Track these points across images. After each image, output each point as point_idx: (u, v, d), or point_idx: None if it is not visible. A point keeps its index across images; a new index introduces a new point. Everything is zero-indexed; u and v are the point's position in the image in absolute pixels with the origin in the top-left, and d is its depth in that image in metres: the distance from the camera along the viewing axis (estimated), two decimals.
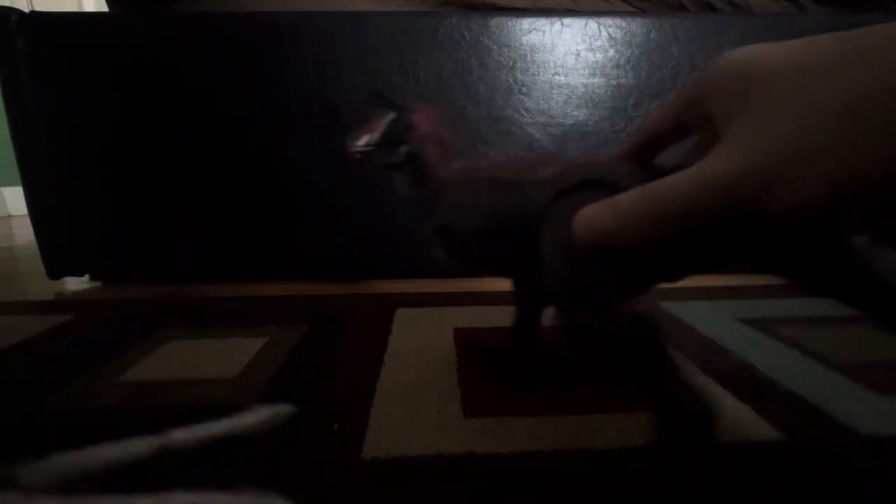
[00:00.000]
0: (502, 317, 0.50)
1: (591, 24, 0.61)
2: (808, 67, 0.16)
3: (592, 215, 0.21)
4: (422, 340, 0.43)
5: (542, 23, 0.60)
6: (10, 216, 1.88)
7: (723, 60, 0.19)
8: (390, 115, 0.33)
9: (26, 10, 0.62)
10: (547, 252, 0.24)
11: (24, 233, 1.33)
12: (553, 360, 0.39)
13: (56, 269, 0.67)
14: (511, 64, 0.61)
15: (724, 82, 0.19)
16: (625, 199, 0.20)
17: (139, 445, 0.25)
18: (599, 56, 0.61)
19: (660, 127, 0.24)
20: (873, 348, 0.41)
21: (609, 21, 0.61)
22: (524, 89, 0.62)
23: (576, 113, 0.63)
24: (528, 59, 0.61)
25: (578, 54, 0.61)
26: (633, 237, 0.20)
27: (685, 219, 0.19)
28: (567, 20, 0.60)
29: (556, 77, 0.62)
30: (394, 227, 0.64)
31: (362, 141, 0.33)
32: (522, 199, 0.26)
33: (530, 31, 0.60)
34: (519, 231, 0.26)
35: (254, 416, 0.29)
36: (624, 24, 0.61)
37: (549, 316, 0.33)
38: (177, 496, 0.22)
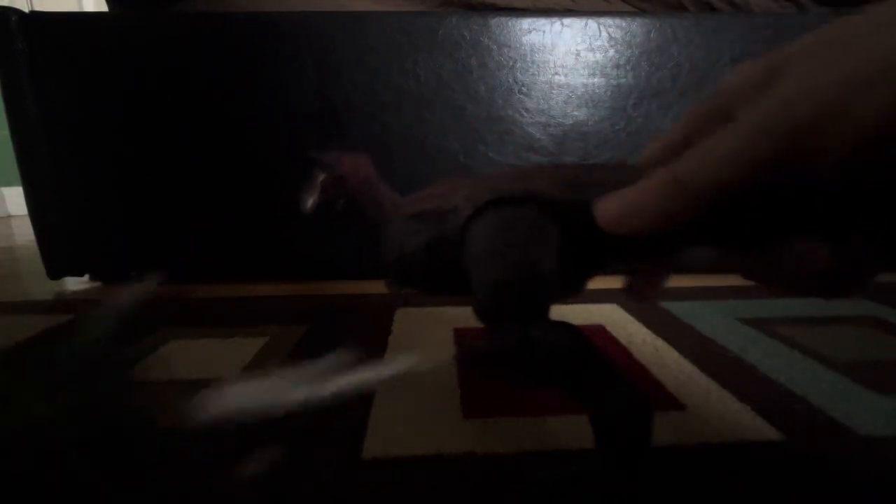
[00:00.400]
0: None
1: (591, 24, 0.61)
2: (835, 29, 0.15)
3: (608, 203, 0.19)
4: (422, 340, 0.43)
5: (542, 23, 0.60)
6: (10, 216, 1.88)
7: (738, 67, 0.18)
8: (321, 175, 0.35)
9: (26, 10, 0.62)
10: (470, 277, 0.24)
11: (24, 233, 1.33)
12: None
13: (56, 269, 0.67)
14: (511, 64, 0.61)
15: (749, 77, 0.17)
16: (654, 177, 0.17)
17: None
18: (599, 56, 0.61)
19: (672, 148, 0.21)
20: (873, 348, 0.41)
21: (609, 21, 0.61)
22: (524, 89, 0.62)
23: (576, 113, 0.63)
24: (528, 59, 0.61)
25: (578, 54, 0.61)
26: (669, 212, 0.17)
27: (742, 175, 0.15)
28: (567, 20, 0.60)
29: (556, 77, 0.62)
30: None
31: (309, 203, 0.35)
32: (442, 230, 0.27)
33: (530, 31, 0.60)
34: (449, 260, 0.27)
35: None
36: (624, 24, 0.61)
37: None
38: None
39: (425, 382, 0.35)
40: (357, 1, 0.66)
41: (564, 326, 0.22)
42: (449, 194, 0.27)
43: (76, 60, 0.60)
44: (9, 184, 1.88)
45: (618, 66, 0.62)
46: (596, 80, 0.62)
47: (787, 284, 0.19)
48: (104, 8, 0.72)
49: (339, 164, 0.35)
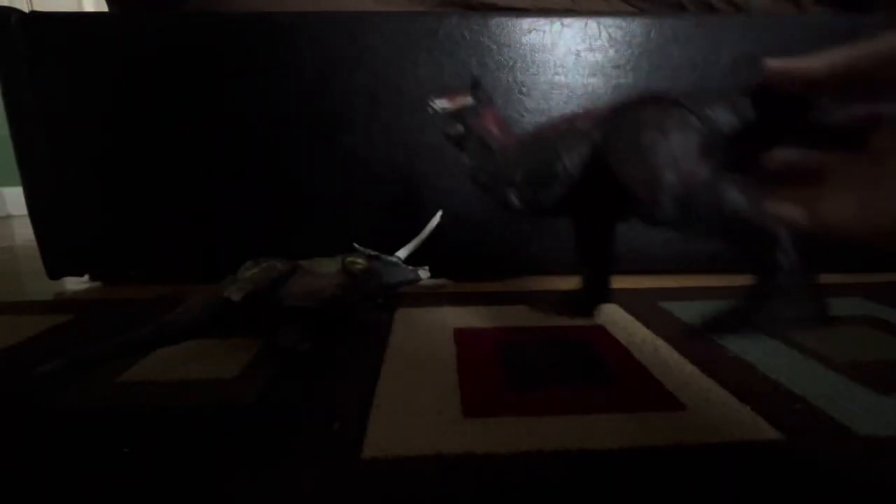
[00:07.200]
0: (503, 317, 0.50)
1: (591, 24, 0.61)
2: None
3: (776, 60, 0.23)
4: (422, 340, 0.43)
5: (542, 23, 0.60)
6: (10, 216, 1.88)
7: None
8: (468, 101, 0.43)
9: (26, 10, 0.62)
10: (635, 145, 0.28)
11: (24, 233, 1.33)
12: (550, 359, 0.39)
13: (56, 269, 0.67)
14: (511, 64, 0.61)
15: None
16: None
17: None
18: (599, 56, 0.61)
19: (829, 71, 0.22)
20: (873, 348, 0.41)
21: (609, 21, 0.61)
22: (524, 89, 0.62)
23: None
24: (528, 59, 0.61)
25: (578, 54, 0.61)
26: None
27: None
28: (567, 20, 0.60)
29: (556, 77, 0.62)
30: (393, 226, 0.64)
31: (438, 105, 0.44)
32: (583, 140, 0.33)
33: (530, 31, 0.60)
34: (586, 169, 0.33)
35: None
36: (624, 24, 0.61)
37: None
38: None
39: (425, 382, 0.35)
40: (357, 1, 0.66)
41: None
42: (578, 118, 0.35)
43: (76, 60, 0.60)
44: (9, 184, 1.88)
45: (618, 66, 0.62)
46: (596, 80, 0.62)
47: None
48: (104, 8, 0.72)
49: (485, 106, 0.43)
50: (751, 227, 0.24)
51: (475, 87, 0.43)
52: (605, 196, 0.34)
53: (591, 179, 0.33)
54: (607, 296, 0.44)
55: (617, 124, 0.31)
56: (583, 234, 0.43)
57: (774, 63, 0.23)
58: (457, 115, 0.43)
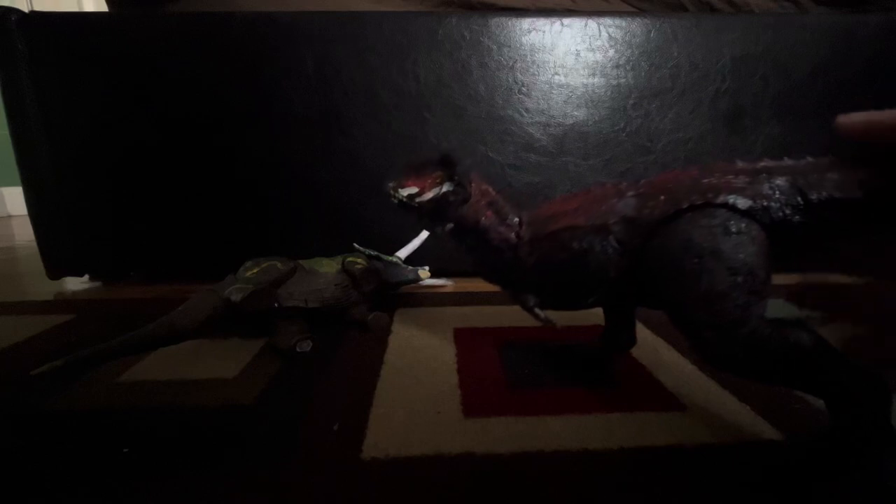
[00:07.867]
0: (502, 317, 0.50)
1: (591, 24, 0.61)
2: None
3: (855, 115, 0.21)
4: (422, 340, 0.43)
5: (542, 23, 0.60)
6: (10, 216, 1.88)
7: None
8: (446, 186, 0.32)
9: (26, 10, 0.62)
10: (682, 273, 0.24)
11: (24, 233, 1.33)
12: (552, 360, 0.39)
13: (56, 269, 0.67)
14: (511, 64, 0.61)
15: None
16: None
17: None
18: (599, 56, 0.61)
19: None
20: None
21: (609, 21, 0.61)
22: (524, 89, 0.62)
23: (576, 113, 0.63)
24: (528, 59, 0.61)
25: (578, 54, 0.61)
26: None
27: None
28: (567, 20, 0.60)
29: (556, 77, 0.62)
30: (393, 226, 0.64)
31: (404, 193, 0.33)
32: (612, 241, 0.27)
33: (530, 31, 0.60)
34: (616, 270, 0.27)
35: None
36: (624, 24, 0.61)
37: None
38: None
39: (425, 382, 0.35)
40: (357, 1, 0.66)
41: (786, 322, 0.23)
42: (597, 206, 0.28)
43: (76, 60, 0.60)
44: (9, 184, 1.88)
45: (618, 66, 0.62)
46: (596, 80, 0.62)
47: None
48: (104, 8, 0.72)
49: (471, 181, 0.33)
50: (826, 374, 0.21)
51: (447, 164, 0.32)
52: (643, 295, 0.29)
53: (627, 282, 0.28)
54: (627, 345, 0.37)
55: (662, 245, 0.25)
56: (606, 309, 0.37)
57: (850, 118, 0.21)
58: (436, 205, 0.32)
